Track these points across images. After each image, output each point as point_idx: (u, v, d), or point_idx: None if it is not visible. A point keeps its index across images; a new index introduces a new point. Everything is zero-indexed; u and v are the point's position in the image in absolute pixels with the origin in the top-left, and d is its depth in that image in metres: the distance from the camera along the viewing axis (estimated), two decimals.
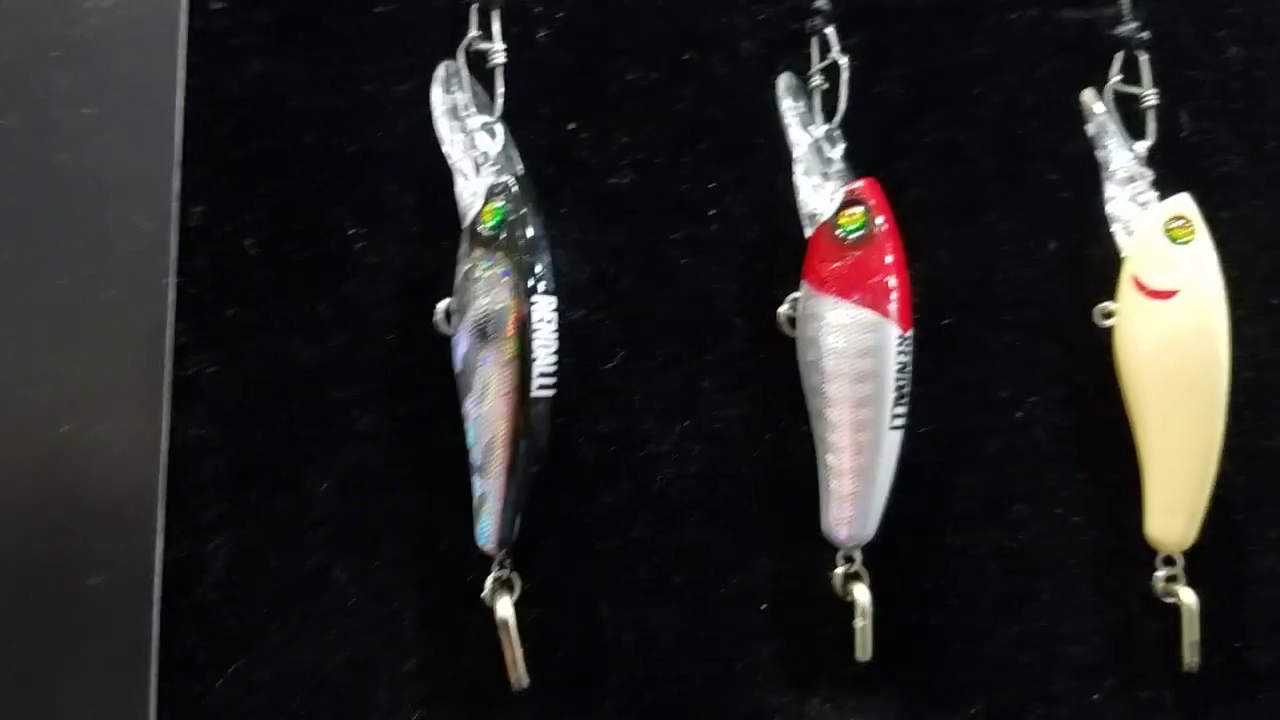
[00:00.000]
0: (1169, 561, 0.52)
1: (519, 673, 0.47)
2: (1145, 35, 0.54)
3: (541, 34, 0.53)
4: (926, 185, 0.54)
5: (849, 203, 0.51)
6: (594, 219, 0.52)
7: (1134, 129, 0.54)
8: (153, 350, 0.50)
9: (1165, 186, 0.53)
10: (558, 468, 0.51)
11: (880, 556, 0.51)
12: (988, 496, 0.53)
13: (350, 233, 0.51)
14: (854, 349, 0.49)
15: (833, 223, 0.50)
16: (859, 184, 0.51)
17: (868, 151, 0.53)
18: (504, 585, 0.49)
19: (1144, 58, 0.54)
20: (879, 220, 0.50)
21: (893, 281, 0.49)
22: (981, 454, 0.53)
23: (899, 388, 0.49)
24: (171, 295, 0.51)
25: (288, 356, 0.51)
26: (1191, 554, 0.51)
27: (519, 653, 0.47)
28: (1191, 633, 0.51)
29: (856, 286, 0.50)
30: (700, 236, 0.53)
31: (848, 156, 0.52)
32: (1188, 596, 0.51)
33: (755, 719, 0.50)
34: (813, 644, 0.51)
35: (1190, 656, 0.51)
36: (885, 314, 0.49)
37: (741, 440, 0.52)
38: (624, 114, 0.53)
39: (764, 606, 0.51)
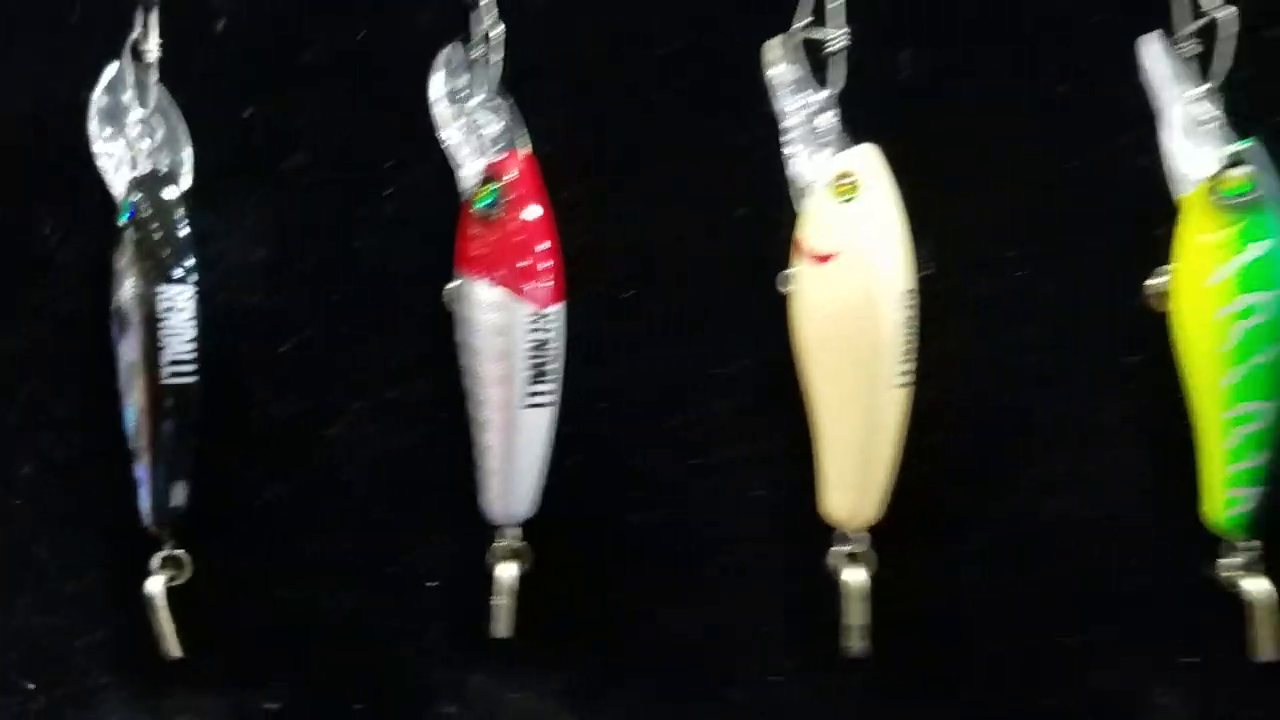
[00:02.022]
0: (846, 539, 0.50)
1: (169, 645, 0.50)
2: None
3: (219, 24, 0.54)
4: (605, 157, 0.52)
5: (484, 178, 0.50)
6: (270, 205, 0.53)
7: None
8: None
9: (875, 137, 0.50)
10: (236, 449, 0.53)
11: (547, 535, 0.51)
12: (668, 472, 0.51)
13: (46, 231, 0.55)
14: (491, 328, 0.49)
15: (471, 200, 0.50)
16: (501, 157, 0.50)
17: (546, 127, 0.52)
18: (171, 562, 0.51)
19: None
20: (509, 197, 0.49)
21: (522, 256, 0.48)
22: (661, 430, 0.52)
23: (536, 365, 0.49)
24: None
25: None
26: (880, 528, 0.49)
27: (169, 626, 0.50)
28: (857, 616, 0.48)
29: (490, 265, 0.49)
30: (376, 217, 0.53)
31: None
32: (855, 576, 0.49)
33: (421, 695, 0.51)
34: (480, 621, 0.51)
35: (855, 640, 0.48)
36: (517, 292, 0.48)
37: (416, 418, 0.53)
38: (297, 98, 0.54)
39: (432, 584, 0.52)
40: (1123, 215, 0.50)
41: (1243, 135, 0.48)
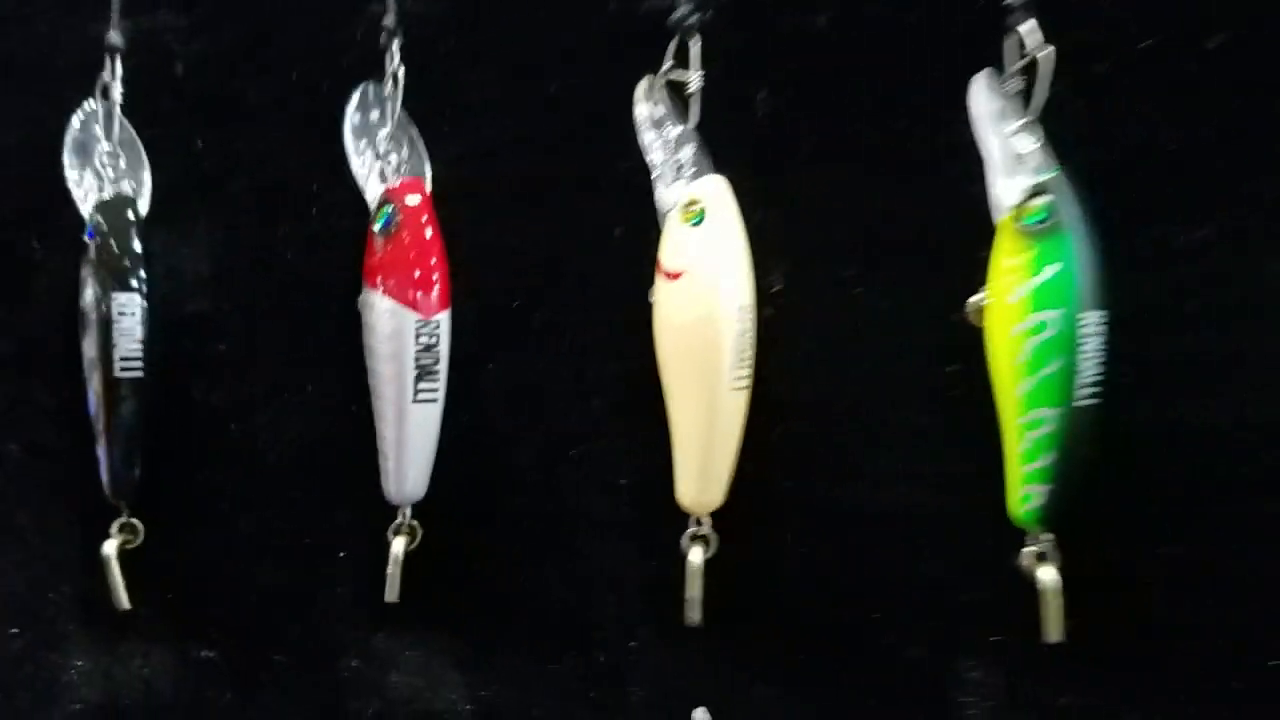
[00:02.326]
0: (698, 523, 0.56)
1: (120, 599, 0.59)
2: (694, 20, 0.56)
3: (179, 66, 0.62)
4: (503, 181, 0.59)
5: (381, 201, 0.57)
6: (215, 222, 0.62)
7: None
8: None
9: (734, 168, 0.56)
10: (181, 433, 0.61)
11: (440, 512, 0.58)
12: (544, 460, 0.58)
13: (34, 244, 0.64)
14: (385, 333, 0.56)
15: (372, 220, 0.57)
16: (395, 183, 0.57)
17: (447, 152, 0.60)
18: (128, 529, 0.60)
19: (694, 45, 0.56)
20: (400, 218, 0.56)
21: (412, 270, 0.56)
22: (539, 423, 0.59)
23: (421, 366, 0.56)
24: None
25: None
26: (723, 512, 0.55)
27: (120, 583, 0.59)
28: (693, 588, 0.54)
29: (384, 276, 0.56)
30: (301, 233, 0.61)
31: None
32: (695, 556, 0.55)
33: (330, 650, 0.59)
34: (381, 586, 0.58)
35: (691, 613, 0.54)
36: (404, 301, 0.56)
37: (333, 410, 0.60)
38: (239, 130, 0.62)
39: (342, 554, 0.60)
40: (950, 240, 0.55)
41: (1060, 166, 0.53)
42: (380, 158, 0.58)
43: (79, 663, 0.61)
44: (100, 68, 0.61)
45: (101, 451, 0.59)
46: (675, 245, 0.55)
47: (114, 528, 0.60)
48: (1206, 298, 0.51)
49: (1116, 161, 0.53)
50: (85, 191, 0.60)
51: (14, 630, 0.62)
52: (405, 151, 0.59)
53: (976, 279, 0.54)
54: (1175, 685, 0.51)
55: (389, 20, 0.58)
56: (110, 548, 0.59)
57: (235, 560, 0.60)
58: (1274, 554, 0.49)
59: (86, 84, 0.61)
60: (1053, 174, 0.52)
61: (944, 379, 0.55)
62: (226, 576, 0.60)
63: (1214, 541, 0.50)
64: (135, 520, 0.60)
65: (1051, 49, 0.53)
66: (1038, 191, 0.52)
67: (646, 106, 0.56)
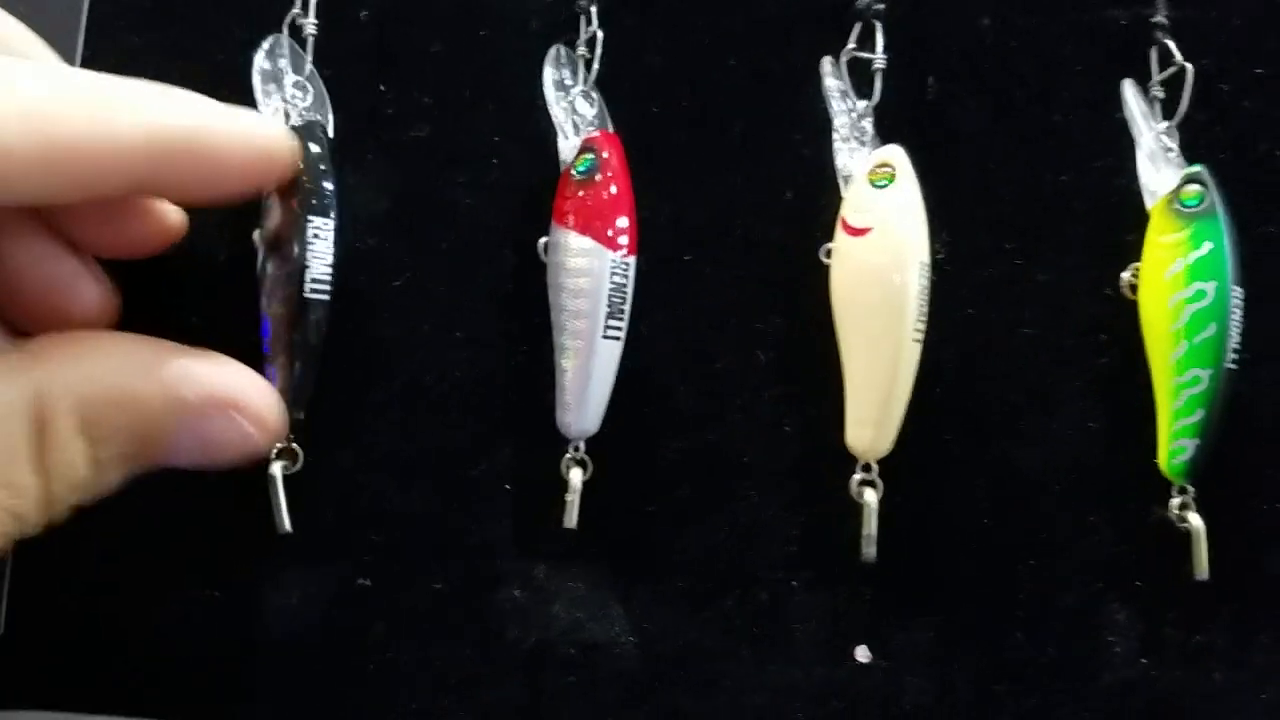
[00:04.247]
0: (866, 468, 0.59)
1: (283, 521, 0.59)
2: (880, 7, 0.62)
3: (363, 13, 0.65)
4: (681, 144, 0.63)
5: (582, 149, 0.60)
6: (394, 165, 0.63)
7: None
8: None
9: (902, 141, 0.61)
10: (352, 364, 0.62)
11: (607, 451, 0.60)
12: (709, 404, 0.61)
13: None
14: (577, 269, 0.59)
15: (571, 165, 0.60)
16: (595, 134, 0.61)
17: (630, 115, 0.63)
18: (288, 454, 0.60)
19: (879, 26, 0.62)
20: (600, 163, 0.59)
21: (609, 213, 0.59)
22: (709, 369, 0.61)
23: (613, 303, 0.58)
24: None
25: None
26: (889, 461, 0.59)
27: (283, 503, 0.59)
28: (869, 526, 0.58)
29: (581, 217, 0.59)
30: (481, 181, 0.63)
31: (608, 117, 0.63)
32: (870, 497, 0.58)
33: (492, 580, 0.60)
34: (545, 519, 0.60)
35: (868, 548, 0.58)
36: (601, 240, 0.58)
37: (502, 348, 0.62)
38: (424, 79, 0.64)
39: (507, 487, 0.61)
40: (1100, 222, 0.61)
41: (1191, 163, 0.60)
42: (575, 113, 0.61)
43: (232, 589, 0.60)
44: (292, 4, 0.63)
45: (275, 375, 0.59)
46: (863, 204, 0.59)
47: (274, 451, 0.59)
48: None
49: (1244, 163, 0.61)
50: (278, 115, 0.61)
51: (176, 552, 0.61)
52: (597, 108, 0.62)
53: (1125, 257, 0.60)
54: None
55: None
56: (277, 469, 0.59)
57: (400, 491, 0.60)
58: None
59: (257, 15, 0.63)
60: (1201, 166, 0.58)
61: (1095, 346, 0.60)
62: (387, 508, 0.60)
63: None
64: (297, 446, 0.60)
65: (1191, 66, 0.60)
66: (1191, 179, 0.58)
67: (833, 80, 0.61)
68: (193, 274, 0.63)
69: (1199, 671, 0.57)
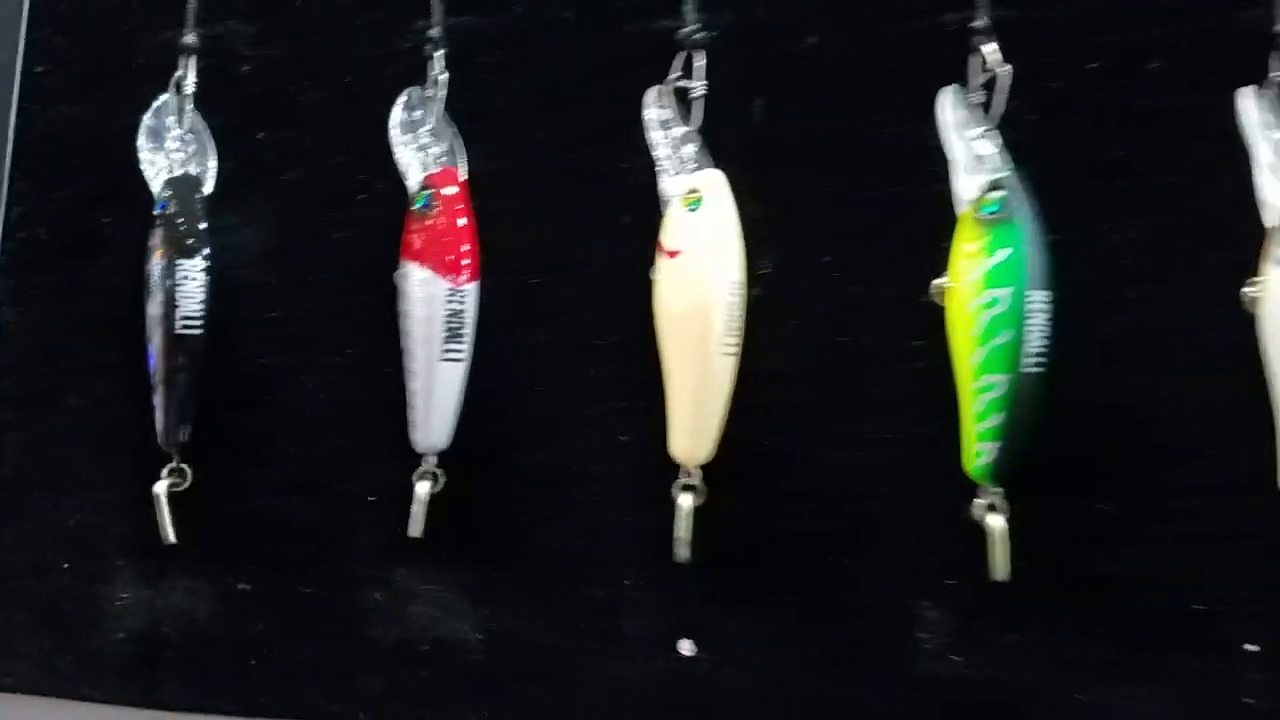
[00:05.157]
0: (689, 473, 0.63)
1: (167, 533, 0.66)
2: (699, 37, 0.65)
3: (244, 68, 0.71)
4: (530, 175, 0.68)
5: (422, 186, 0.65)
6: (272, 205, 0.70)
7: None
8: None
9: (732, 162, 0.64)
10: (230, 390, 0.68)
11: (460, 463, 0.65)
12: (554, 419, 0.66)
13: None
14: (418, 298, 0.64)
15: (411, 201, 0.65)
16: (436, 171, 0.66)
17: (486, 150, 0.68)
18: (177, 473, 0.67)
19: (699, 55, 0.65)
20: (436, 200, 0.64)
21: (446, 243, 0.64)
22: (552, 385, 0.66)
23: (450, 328, 0.63)
24: None
25: None
26: (716, 465, 0.62)
27: (167, 517, 0.66)
28: (681, 529, 0.61)
29: (420, 250, 0.64)
30: (348, 218, 0.69)
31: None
32: (685, 501, 0.61)
33: (355, 584, 0.66)
34: (403, 528, 0.65)
35: (680, 550, 0.61)
36: (438, 269, 0.63)
37: (368, 371, 0.68)
38: (298, 126, 0.70)
39: (371, 499, 0.67)
40: (916, 231, 0.62)
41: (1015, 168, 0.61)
42: (422, 150, 0.66)
43: (125, 595, 0.68)
44: (175, 67, 0.70)
45: (158, 402, 0.66)
46: (675, 227, 0.63)
47: (164, 471, 0.67)
48: (1140, 285, 0.58)
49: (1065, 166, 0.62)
50: (156, 171, 0.68)
51: (65, 565, 0.69)
52: (444, 146, 0.67)
53: (939, 265, 0.62)
54: (1105, 626, 0.57)
55: (435, 33, 0.67)
56: (161, 488, 0.66)
57: (272, 504, 0.67)
58: (1186, 511, 0.56)
59: (164, 81, 0.70)
60: (1006, 172, 0.60)
61: (910, 352, 0.62)
62: (264, 519, 0.67)
63: (1142, 498, 0.58)
64: (185, 466, 0.67)
65: (1009, 68, 0.61)
66: (993, 186, 0.59)
67: (655, 110, 0.65)
68: (107, 310, 0.71)
69: (1010, 669, 0.59)
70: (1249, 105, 0.58)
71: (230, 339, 0.68)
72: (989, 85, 0.62)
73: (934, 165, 0.63)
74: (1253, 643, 0.55)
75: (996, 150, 0.62)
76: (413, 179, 0.66)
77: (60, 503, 0.70)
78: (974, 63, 0.63)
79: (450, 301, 0.63)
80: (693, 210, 0.62)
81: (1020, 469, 0.58)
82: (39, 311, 0.72)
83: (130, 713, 0.67)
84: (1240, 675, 0.55)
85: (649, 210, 0.65)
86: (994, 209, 0.59)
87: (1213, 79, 0.57)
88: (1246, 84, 0.56)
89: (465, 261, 0.64)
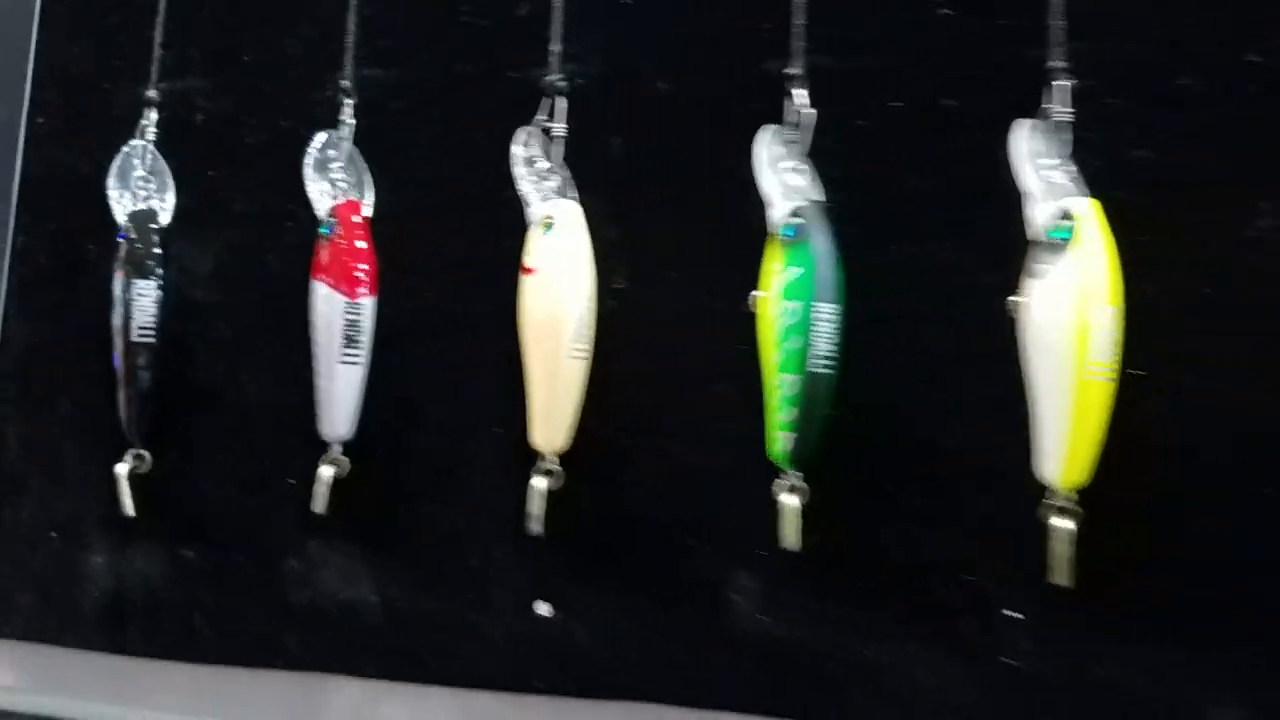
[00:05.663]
0: (546, 460, 0.73)
1: (126, 507, 0.78)
2: (563, 84, 0.75)
3: (199, 116, 0.84)
4: (425, 205, 0.79)
5: (328, 215, 0.77)
6: (220, 233, 0.83)
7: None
8: None
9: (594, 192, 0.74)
10: (181, 388, 0.81)
11: (364, 452, 0.77)
12: (442, 412, 0.77)
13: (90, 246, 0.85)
14: (321, 311, 0.75)
15: (319, 227, 0.77)
16: (340, 201, 0.77)
17: (393, 181, 0.79)
18: (137, 458, 0.80)
19: (561, 101, 0.75)
20: (337, 226, 0.76)
21: (345, 264, 0.75)
22: (442, 383, 0.77)
23: (347, 336, 0.75)
24: None
25: None
26: (573, 454, 0.72)
27: (127, 493, 0.79)
28: (534, 506, 0.71)
29: (323, 269, 0.76)
30: (283, 243, 0.81)
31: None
32: (540, 483, 0.72)
33: (276, 550, 0.78)
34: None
35: (534, 525, 0.71)
36: (337, 287, 0.75)
37: (298, 376, 0.79)
38: (243, 164, 0.83)
39: (291, 481, 0.78)
40: (741, 253, 0.71)
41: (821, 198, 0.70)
42: (330, 184, 0.78)
43: (97, 559, 0.81)
44: (140, 117, 0.84)
45: (121, 399, 0.79)
46: (532, 248, 0.73)
47: (127, 455, 0.80)
48: (918, 299, 0.67)
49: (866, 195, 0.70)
50: (122, 206, 0.81)
51: (53, 534, 0.83)
52: (352, 180, 0.79)
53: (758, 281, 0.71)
54: (889, 593, 0.66)
55: (345, 84, 0.79)
56: (122, 469, 0.79)
57: (212, 485, 0.80)
58: (956, 495, 0.65)
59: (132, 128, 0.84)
60: (806, 202, 0.69)
61: (735, 356, 0.71)
62: (209, 496, 0.80)
63: (919, 483, 0.66)
64: (144, 452, 0.80)
65: (814, 111, 0.70)
66: (793, 214, 0.68)
67: (520, 147, 0.75)
68: (92, 324, 0.85)
69: (809, 629, 0.67)
70: (1021, 136, 0.66)
71: (188, 348, 0.81)
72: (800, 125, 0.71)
73: (754, 198, 0.72)
74: (1015, 610, 0.63)
75: (806, 182, 0.71)
76: (321, 209, 0.78)
77: (51, 487, 0.83)
78: (789, 105, 0.72)
79: (349, 314, 0.75)
80: (547, 232, 0.73)
81: (815, 455, 0.68)
82: (38, 325, 0.87)
83: (99, 657, 0.80)
84: (1003, 638, 0.63)
85: (524, 234, 0.76)
86: (790, 232, 0.68)
87: (1004, 113, 0.66)
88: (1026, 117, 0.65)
89: (361, 280, 0.76)
